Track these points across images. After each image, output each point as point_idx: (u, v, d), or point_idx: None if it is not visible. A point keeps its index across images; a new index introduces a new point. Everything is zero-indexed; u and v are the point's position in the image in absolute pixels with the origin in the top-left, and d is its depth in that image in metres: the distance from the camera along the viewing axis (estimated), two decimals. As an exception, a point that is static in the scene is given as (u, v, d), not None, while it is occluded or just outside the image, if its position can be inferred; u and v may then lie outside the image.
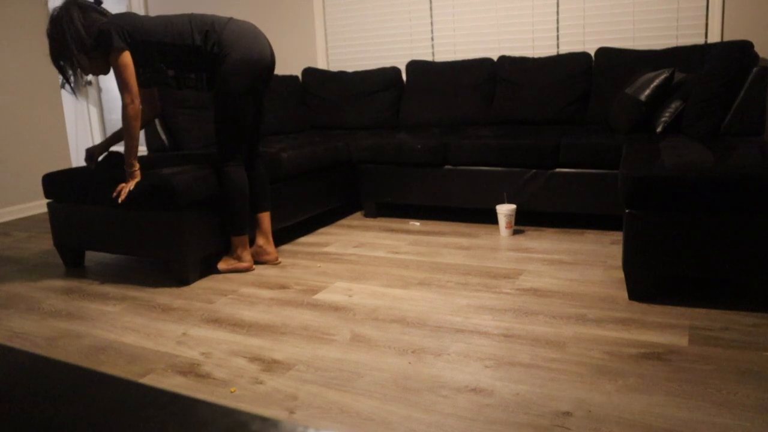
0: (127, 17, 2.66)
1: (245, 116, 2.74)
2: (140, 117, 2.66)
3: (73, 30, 2.57)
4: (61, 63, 2.64)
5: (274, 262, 2.97)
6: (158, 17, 2.70)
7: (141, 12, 5.51)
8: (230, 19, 2.71)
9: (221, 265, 2.87)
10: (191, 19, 2.68)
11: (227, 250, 2.95)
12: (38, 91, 4.66)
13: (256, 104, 2.84)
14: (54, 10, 2.62)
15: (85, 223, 2.94)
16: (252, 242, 3.04)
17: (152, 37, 2.63)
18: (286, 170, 3.25)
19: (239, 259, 2.87)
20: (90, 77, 6.14)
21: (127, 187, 2.68)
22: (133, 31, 2.62)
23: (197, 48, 2.65)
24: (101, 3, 2.72)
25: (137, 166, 2.70)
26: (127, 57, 2.61)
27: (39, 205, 4.67)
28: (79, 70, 2.67)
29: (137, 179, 2.69)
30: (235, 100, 2.68)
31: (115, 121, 6.19)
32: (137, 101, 2.63)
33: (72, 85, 2.70)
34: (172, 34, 2.64)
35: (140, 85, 2.80)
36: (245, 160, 2.92)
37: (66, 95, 6.24)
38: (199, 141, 3.68)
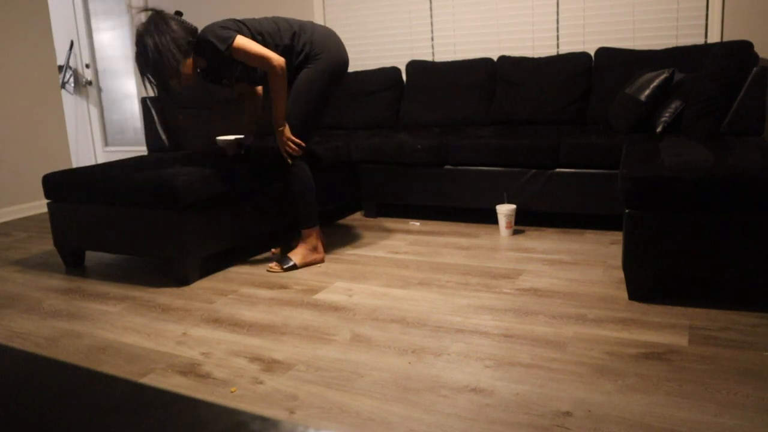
0: (219, 21, 2.68)
1: (320, 115, 2.86)
2: (285, 74, 2.66)
3: (172, 39, 2.54)
4: (152, 75, 2.61)
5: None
6: (247, 19, 2.76)
7: (142, 14, 5.50)
8: (312, 22, 2.85)
9: (297, 260, 2.85)
10: (276, 20, 2.78)
11: (281, 247, 3.01)
12: (38, 91, 4.66)
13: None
14: (141, 25, 2.58)
15: (85, 223, 2.94)
16: (289, 244, 3.11)
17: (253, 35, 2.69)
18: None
19: (315, 250, 2.90)
20: (90, 78, 6.14)
21: (290, 144, 2.75)
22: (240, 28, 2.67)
23: (285, 47, 2.74)
24: (182, 15, 2.70)
25: (286, 126, 2.75)
26: (241, 38, 2.61)
27: (39, 205, 4.67)
28: (172, 81, 2.64)
29: (289, 136, 2.75)
30: (317, 97, 2.79)
31: (116, 122, 6.19)
32: (277, 59, 2.61)
33: (167, 93, 2.73)
34: (264, 34, 2.71)
35: (238, 80, 2.85)
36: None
37: (66, 95, 6.24)
38: (199, 141, 3.68)
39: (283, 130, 2.74)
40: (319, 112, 2.85)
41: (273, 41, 2.73)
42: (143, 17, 2.61)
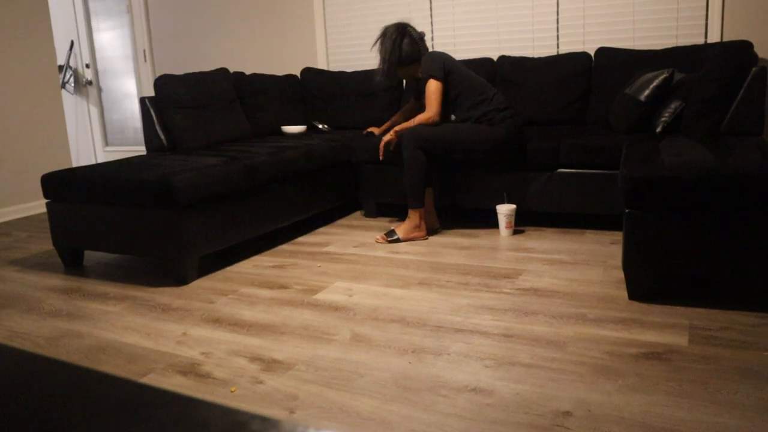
0: (446, 55, 3.24)
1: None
2: (432, 124, 3.20)
3: (393, 46, 3.24)
4: (379, 62, 3.30)
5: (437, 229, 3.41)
6: (464, 68, 3.27)
7: (142, 15, 5.51)
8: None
9: (401, 234, 3.18)
10: (480, 80, 3.29)
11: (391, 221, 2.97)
12: (38, 91, 4.66)
13: None
14: (390, 25, 3.30)
15: (84, 223, 2.94)
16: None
17: (461, 84, 3.21)
18: (285, 170, 3.25)
19: (418, 228, 3.19)
20: (90, 78, 6.15)
21: (389, 141, 3.24)
22: (449, 70, 3.21)
23: (481, 101, 3.22)
24: (424, 36, 3.35)
25: (396, 133, 3.24)
26: (438, 85, 3.17)
27: (39, 205, 4.67)
28: (385, 72, 3.31)
29: (391, 139, 3.24)
30: (458, 140, 3.18)
31: (116, 121, 6.19)
32: (435, 114, 3.18)
33: (383, 77, 3.33)
34: (470, 86, 3.22)
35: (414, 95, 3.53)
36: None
37: (66, 95, 6.24)
38: (198, 141, 3.68)
39: (395, 134, 3.21)
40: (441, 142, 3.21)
41: (473, 92, 3.23)
42: (393, 22, 3.45)
